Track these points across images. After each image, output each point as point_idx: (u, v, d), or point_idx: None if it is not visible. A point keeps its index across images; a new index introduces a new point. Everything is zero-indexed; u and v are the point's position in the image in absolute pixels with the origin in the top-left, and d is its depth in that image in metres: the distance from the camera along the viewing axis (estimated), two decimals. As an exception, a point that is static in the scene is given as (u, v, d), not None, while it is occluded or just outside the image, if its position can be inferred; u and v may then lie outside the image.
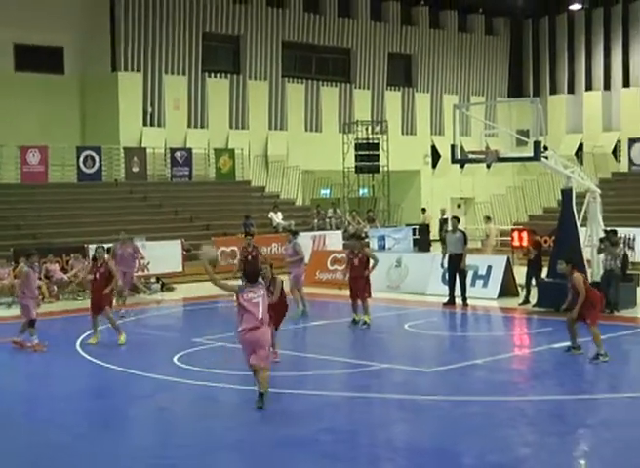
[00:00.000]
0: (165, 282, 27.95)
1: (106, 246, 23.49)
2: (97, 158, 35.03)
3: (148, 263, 28.47)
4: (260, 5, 41.60)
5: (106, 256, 18.94)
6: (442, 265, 23.37)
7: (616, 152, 44.89)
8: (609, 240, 21.11)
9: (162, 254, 29.10)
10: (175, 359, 16.10)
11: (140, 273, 27.58)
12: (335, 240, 34.49)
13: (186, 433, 11.55)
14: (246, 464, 10.48)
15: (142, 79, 38.30)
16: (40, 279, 22.68)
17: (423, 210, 41.14)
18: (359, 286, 19.54)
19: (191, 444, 11.02)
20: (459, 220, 24.00)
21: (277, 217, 35.89)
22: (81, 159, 34.63)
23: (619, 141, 44.73)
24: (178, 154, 37.38)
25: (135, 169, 36.14)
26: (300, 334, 19.68)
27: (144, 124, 38.32)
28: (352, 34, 44.62)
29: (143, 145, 37.19)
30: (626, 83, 46.33)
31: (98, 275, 18.09)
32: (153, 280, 28.03)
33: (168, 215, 34.82)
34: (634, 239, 30.86)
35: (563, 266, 15.92)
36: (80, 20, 37.63)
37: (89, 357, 16.69)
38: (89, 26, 37.87)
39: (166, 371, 15.11)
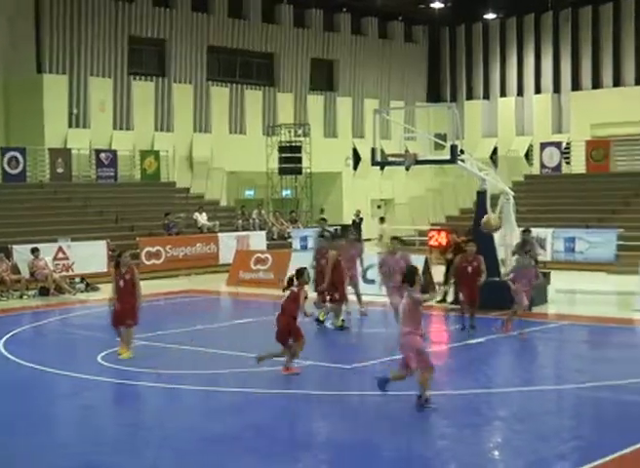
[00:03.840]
0: (89, 282, 27.93)
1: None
2: (21, 159, 34.76)
3: (73, 263, 28.76)
4: (185, 9, 42.01)
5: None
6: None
7: (528, 156, 45.99)
8: (527, 239, 21.92)
9: (87, 255, 29.11)
10: (99, 358, 16.06)
11: (64, 273, 27.91)
12: (258, 240, 34.98)
13: (110, 431, 11.72)
14: (169, 461, 10.41)
15: (68, 81, 38.33)
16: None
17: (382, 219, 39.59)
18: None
19: (114, 441, 11.16)
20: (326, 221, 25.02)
21: (202, 218, 36.29)
22: (5, 160, 34.29)
23: (531, 145, 45.82)
24: (103, 155, 37.45)
25: (59, 170, 36.03)
26: (223, 332, 19.72)
27: (70, 125, 38.36)
28: (276, 39, 45.22)
29: (68, 147, 37.24)
30: (538, 90, 47.69)
31: (122, 282, 16.23)
32: (78, 280, 28.14)
33: (93, 216, 34.83)
34: (545, 239, 31.99)
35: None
36: (5, 22, 37.51)
37: (11, 356, 16.51)
38: (14, 28, 37.78)
39: (90, 370, 15.06)
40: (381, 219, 35.37)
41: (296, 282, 14.40)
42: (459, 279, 18.98)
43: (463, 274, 18.63)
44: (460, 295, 19.10)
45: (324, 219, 26.15)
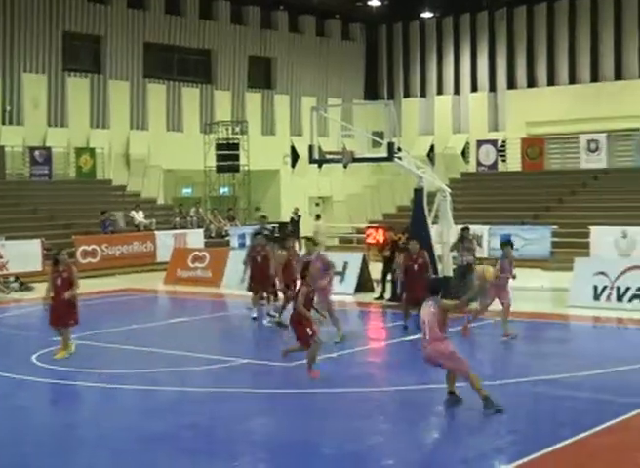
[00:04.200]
0: (24, 281, 27.66)
1: None
2: (-47, 157, 34.46)
3: (7, 262, 28.37)
4: (121, 6, 41.60)
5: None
6: None
7: (465, 153, 46.39)
8: (465, 236, 22.19)
9: (21, 254, 28.81)
10: (33, 358, 15.98)
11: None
12: (196, 238, 34.85)
13: (45, 431, 11.64)
14: (106, 460, 10.39)
15: (1, 77, 37.74)
16: None
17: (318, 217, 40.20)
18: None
19: (50, 441, 11.12)
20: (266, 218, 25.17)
21: (138, 216, 36.09)
22: (-63, 158, 33.95)
23: (467, 143, 46.23)
24: (37, 153, 36.99)
25: (-8, 167, 35.73)
26: (160, 331, 19.67)
27: (3, 122, 37.74)
28: (213, 36, 45.03)
29: (2, 144, 36.62)
30: (474, 88, 48.10)
31: (60, 281, 16.02)
32: (12, 279, 27.81)
33: (27, 215, 34.49)
34: (482, 236, 32.35)
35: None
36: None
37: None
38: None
39: (24, 371, 14.98)
40: (317, 217, 35.50)
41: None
42: (406, 278, 19.02)
43: (410, 272, 18.69)
44: (405, 295, 19.08)
45: (265, 217, 26.20)
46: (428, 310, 12.03)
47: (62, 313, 15.89)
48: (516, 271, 17.82)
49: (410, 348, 16.71)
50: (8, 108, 38.07)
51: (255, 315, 19.87)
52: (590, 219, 31.93)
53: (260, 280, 19.86)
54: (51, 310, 16.09)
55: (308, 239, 19.05)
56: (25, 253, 29.03)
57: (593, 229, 30.27)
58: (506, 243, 18.49)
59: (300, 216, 39.84)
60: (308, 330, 14.00)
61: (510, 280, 17.67)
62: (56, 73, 39.59)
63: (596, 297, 21.22)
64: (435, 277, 13.13)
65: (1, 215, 33.09)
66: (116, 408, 12.81)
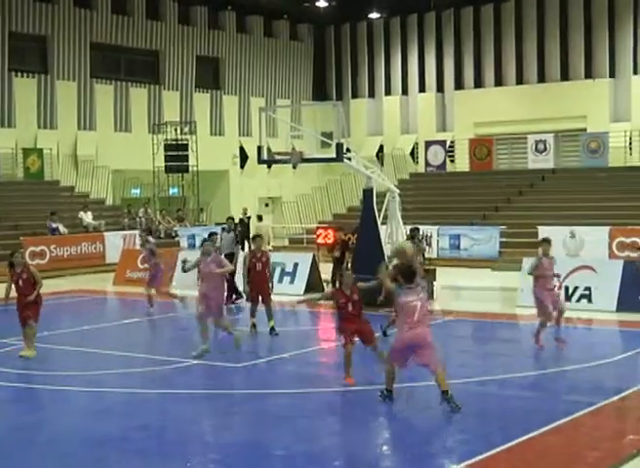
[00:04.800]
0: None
1: None
2: None
3: (-46, 264, 28.13)
4: (68, 5, 41.18)
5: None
6: None
7: (413, 154, 46.69)
8: (415, 236, 22.37)
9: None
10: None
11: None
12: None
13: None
14: (54, 462, 10.35)
15: (-54, 77, 37.47)
16: None
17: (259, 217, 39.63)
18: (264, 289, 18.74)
19: (-2, 444, 11.02)
20: (233, 220, 24.95)
21: (87, 217, 35.86)
22: None
23: (416, 144, 46.55)
24: (-16, 154, 36.76)
25: (-62, 169, 35.33)
26: (110, 333, 19.63)
27: (-52, 123, 37.51)
28: (160, 37, 44.81)
29: (-52, 145, 36.44)
30: (422, 88, 48.35)
31: (21, 282, 16.30)
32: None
33: (-26, 216, 34.31)
34: (431, 236, 32.57)
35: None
36: None
37: None
38: None
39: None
40: (259, 217, 35.52)
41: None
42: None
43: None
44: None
45: (232, 219, 25.96)
46: (416, 296, 12.02)
47: (26, 313, 16.13)
48: (464, 271, 17.93)
49: (359, 349, 16.73)
50: (-46, 109, 37.69)
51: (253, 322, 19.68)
52: (538, 219, 32.26)
53: (260, 288, 18.77)
54: (18, 312, 16.24)
55: (205, 239, 18.50)
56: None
57: (541, 229, 30.54)
58: (546, 240, 17.62)
59: (249, 217, 39.75)
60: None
61: (555, 280, 17.27)
62: (2, 73, 39.11)
63: (545, 297, 21.42)
64: (405, 265, 12.84)
65: (-53, 217, 32.77)
66: (66, 410, 12.75)
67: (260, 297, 18.58)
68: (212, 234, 20.63)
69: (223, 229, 24.34)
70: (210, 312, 16.10)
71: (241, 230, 34.83)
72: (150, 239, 24.44)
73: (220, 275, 16.33)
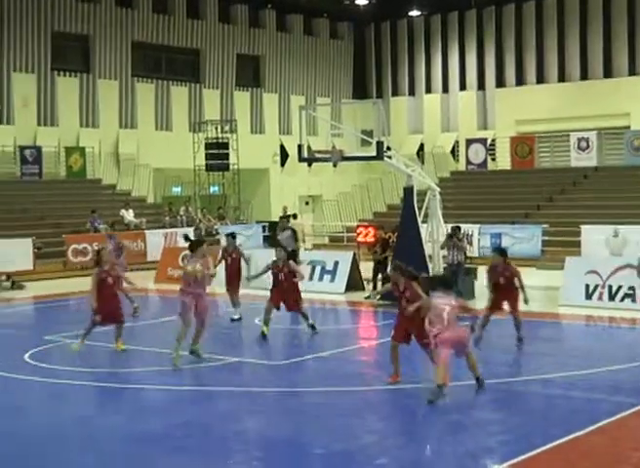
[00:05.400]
0: (15, 280, 27.73)
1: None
2: (-57, 157, 34.41)
3: (-2, 261, 28.42)
4: (109, 5, 41.54)
5: None
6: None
7: (454, 152, 46.46)
8: (456, 235, 22.22)
9: (12, 253, 28.80)
10: (26, 357, 15.99)
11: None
12: (186, 237, 34.76)
13: (37, 430, 11.57)
14: (97, 460, 10.33)
15: (-10, 77, 37.88)
16: None
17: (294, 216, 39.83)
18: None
19: (41, 440, 11.03)
20: (288, 219, 24.82)
21: (128, 215, 36.08)
22: None
23: (457, 142, 46.29)
24: (27, 152, 37.03)
25: (-17, 167, 35.73)
26: (152, 330, 19.69)
27: (-7, 122, 37.90)
28: (201, 35, 45.01)
29: (-8, 143, 36.82)
30: (463, 86, 48.16)
31: (111, 280, 16.48)
32: (3, 278, 27.88)
33: (18, 214, 34.52)
34: (472, 235, 32.40)
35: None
36: None
37: None
38: None
39: (17, 370, 14.96)
40: (294, 216, 35.49)
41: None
42: None
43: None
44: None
45: (286, 217, 25.83)
46: (447, 301, 12.55)
47: (113, 311, 16.33)
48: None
49: (401, 347, 16.68)
50: (-2, 107, 38.08)
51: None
52: (581, 218, 31.95)
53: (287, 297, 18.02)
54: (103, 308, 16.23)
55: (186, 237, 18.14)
56: (16, 253, 29.04)
57: (584, 228, 30.30)
58: None
59: (295, 215, 39.83)
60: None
61: None
62: (45, 73, 39.55)
63: (588, 296, 21.25)
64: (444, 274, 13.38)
65: (-8, 215, 33.15)
66: (107, 407, 12.81)
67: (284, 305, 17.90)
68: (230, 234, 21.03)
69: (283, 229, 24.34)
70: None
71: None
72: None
73: None
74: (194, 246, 15.55)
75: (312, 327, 17.94)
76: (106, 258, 16.77)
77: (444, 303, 12.50)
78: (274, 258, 17.90)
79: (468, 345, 12.84)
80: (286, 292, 17.63)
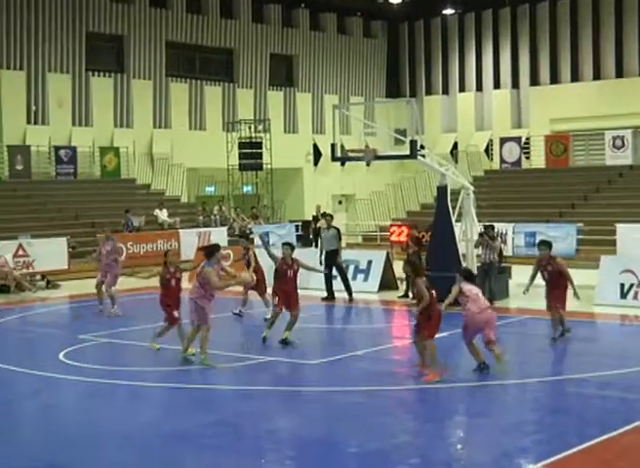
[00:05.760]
0: (50, 279, 27.92)
1: None
2: (-21, 156, 34.72)
3: (33, 261, 28.60)
4: (143, 5, 41.77)
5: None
6: (320, 262, 23.02)
7: (488, 151, 46.23)
8: (488, 234, 22.15)
9: (47, 252, 28.97)
10: (61, 356, 16.07)
11: (25, 271, 27.78)
12: (219, 236, 34.88)
13: (73, 429, 11.65)
14: (132, 459, 10.40)
15: (26, 77, 38.06)
16: None
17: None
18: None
19: (78, 440, 11.09)
20: (332, 217, 24.78)
21: (162, 214, 36.23)
22: (-36, 157, 34.23)
23: (490, 140, 46.04)
24: (62, 152, 37.27)
25: (19, 167, 35.83)
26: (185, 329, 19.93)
27: (28, 122, 38.04)
28: (235, 35, 45.12)
29: (27, 143, 36.99)
30: (497, 85, 47.96)
31: (174, 282, 16.58)
32: (38, 277, 28.09)
33: (53, 213, 34.80)
34: (506, 233, 32.23)
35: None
36: (-39, 18, 37.14)
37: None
38: (-30, 24, 37.41)
39: (52, 369, 15.04)
40: (322, 215, 35.50)
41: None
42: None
43: None
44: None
45: (330, 216, 25.51)
46: (476, 286, 14.28)
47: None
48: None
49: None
50: (33, 108, 38.34)
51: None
52: (616, 217, 31.72)
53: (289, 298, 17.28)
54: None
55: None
56: (51, 252, 29.20)
57: (619, 227, 30.04)
58: None
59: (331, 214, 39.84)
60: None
61: None
62: (80, 73, 39.81)
63: (623, 296, 21.13)
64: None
65: (27, 214, 33.42)
66: (142, 405, 12.88)
67: (287, 307, 17.12)
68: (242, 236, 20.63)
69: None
70: None
71: (314, 228, 34.97)
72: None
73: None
74: (211, 252, 15.38)
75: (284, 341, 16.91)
76: (172, 260, 16.93)
77: (473, 287, 13.99)
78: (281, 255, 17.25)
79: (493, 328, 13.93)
80: (291, 291, 17.05)
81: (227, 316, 20.84)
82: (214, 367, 14.75)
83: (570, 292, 16.88)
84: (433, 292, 13.79)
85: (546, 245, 17.12)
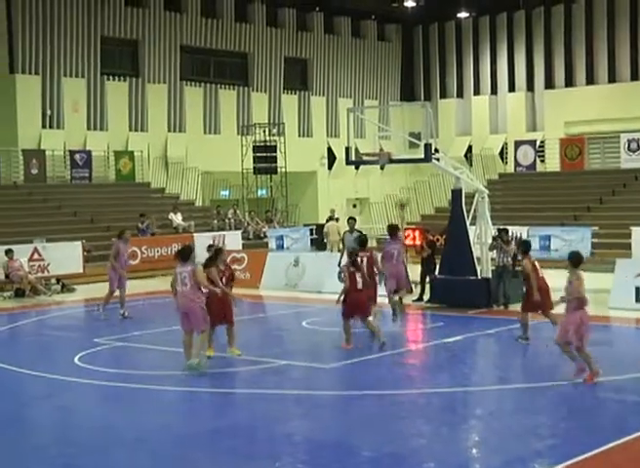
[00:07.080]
0: (65, 283, 28.00)
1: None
2: (-6, 160, 34.81)
3: (49, 265, 28.71)
4: (158, 9, 41.89)
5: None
6: (339, 264, 22.70)
7: (502, 154, 46.19)
8: (502, 238, 22.09)
9: (62, 256, 29.18)
10: (76, 359, 16.15)
11: (40, 274, 27.87)
12: (234, 240, 34.95)
13: (86, 432, 11.69)
14: (146, 462, 10.46)
15: (41, 81, 38.20)
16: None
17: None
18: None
19: (91, 442, 11.14)
20: (355, 221, 24.75)
21: (177, 218, 36.30)
22: (-21, 162, 34.29)
23: (505, 144, 46.01)
24: (77, 156, 37.41)
25: (34, 171, 35.98)
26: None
27: (43, 126, 38.17)
28: (249, 39, 45.20)
29: (43, 147, 37.14)
30: (511, 88, 47.89)
31: (225, 280, 16.08)
32: (53, 281, 28.16)
33: (68, 217, 34.92)
34: (521, 237, 32.12)
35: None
36: (-24, 23, 37.31)
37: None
38: (-14, 29, 37.57)
39: (66, 372, 15.13)
40: (330, 218, 35.42)
41: None
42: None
43: None
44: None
45: (353, 219, 25.48)
46: None
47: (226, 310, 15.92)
48: (555, 272, 17.63)
49: (449, 349, 16.71)
50: (49, 112, 38.48)
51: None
52: (632, 220, 31.61)
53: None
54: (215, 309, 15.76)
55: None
56: (66, 256, 29.34)
57: (635, 230, 29.94)
58: None
59: (337, 219, 39.78)
60: None
61: None
62: (94, 77, 39.92)
63: (638, 299, 21.03)
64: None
65: (42, 218, 33.53)
66: (156, 408, 12.87)
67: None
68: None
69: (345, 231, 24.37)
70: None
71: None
72: None
73: None
74: (187, 255, 15.05)
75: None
76: (224, 257, 16.63)
77: None
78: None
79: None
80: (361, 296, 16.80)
81: (241, 319, 20.86)
82: (203, 373, 14.59)
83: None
84: None
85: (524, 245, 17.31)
